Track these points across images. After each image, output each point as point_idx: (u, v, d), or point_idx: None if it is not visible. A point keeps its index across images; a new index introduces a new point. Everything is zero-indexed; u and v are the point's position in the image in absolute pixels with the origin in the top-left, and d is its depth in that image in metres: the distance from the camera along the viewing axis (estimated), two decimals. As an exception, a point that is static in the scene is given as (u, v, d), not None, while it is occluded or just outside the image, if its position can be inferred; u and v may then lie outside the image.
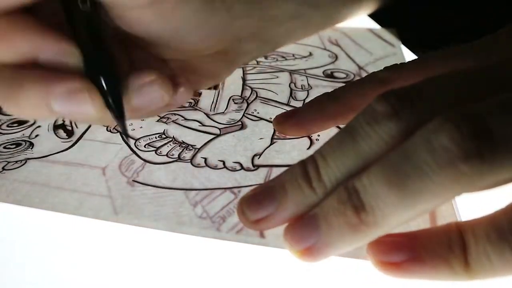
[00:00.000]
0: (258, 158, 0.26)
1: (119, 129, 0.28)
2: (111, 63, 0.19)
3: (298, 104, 0.31)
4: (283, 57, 0.40)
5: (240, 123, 0.29)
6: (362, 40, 0.43)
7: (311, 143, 0.27)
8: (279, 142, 0.27)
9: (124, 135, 0.20)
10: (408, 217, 0.15)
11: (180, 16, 0.20)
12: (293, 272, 0.19)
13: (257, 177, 0.24)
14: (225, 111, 0.31)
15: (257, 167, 0.25)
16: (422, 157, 0.14)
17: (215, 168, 0.25)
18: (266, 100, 0.32)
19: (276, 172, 0.24)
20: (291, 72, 0.36)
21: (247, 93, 0.33)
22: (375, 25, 0.48)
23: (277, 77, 0.36)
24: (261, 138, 0.27)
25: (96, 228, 0.21)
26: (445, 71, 0.18)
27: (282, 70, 0.37)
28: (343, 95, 0.24)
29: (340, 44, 0.42)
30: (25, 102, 0.17)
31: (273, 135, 0.28)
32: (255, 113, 0.30)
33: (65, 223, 0.22)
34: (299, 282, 0.18)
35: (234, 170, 0.25)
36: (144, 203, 0.22)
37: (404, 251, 0.16)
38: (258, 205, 0.18)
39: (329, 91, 0.24)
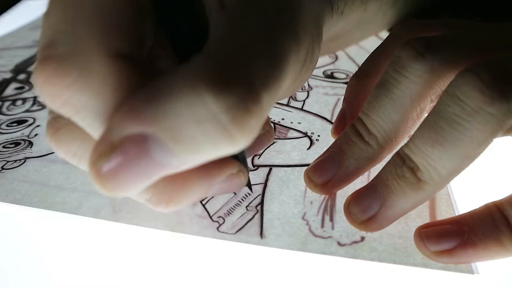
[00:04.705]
0: (258, 158, 0.26)
1: None
2: None
3: (298, 105, 0.31)
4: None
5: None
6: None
7: (311, 143, 0.27)
8: (279, 142, 0.27)
9: (250, 188, 0.22)
10: (458, 166, 0.16)
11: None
12: (293, 272, 0.19)
13: (257, 177, 0.24)
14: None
15: (257, 167, 0.25)
16: (452, 111, 0.15)
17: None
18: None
19: (276, 172, 0.24)
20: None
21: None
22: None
23: (277, 77, 0.36)
24: (261, 138, 0.27)
25: (95, 227, 0.21)
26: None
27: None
28: None
29: (340, 44, 0.42)
30: (187, 199, 0.16)
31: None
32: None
33: (64, 222, 0.22)
34: (299, 282, 0.18)
35: (234, 170, 0.25)
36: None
37: (454, 237, 0.17)
38: (321, 170, 0.20)
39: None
